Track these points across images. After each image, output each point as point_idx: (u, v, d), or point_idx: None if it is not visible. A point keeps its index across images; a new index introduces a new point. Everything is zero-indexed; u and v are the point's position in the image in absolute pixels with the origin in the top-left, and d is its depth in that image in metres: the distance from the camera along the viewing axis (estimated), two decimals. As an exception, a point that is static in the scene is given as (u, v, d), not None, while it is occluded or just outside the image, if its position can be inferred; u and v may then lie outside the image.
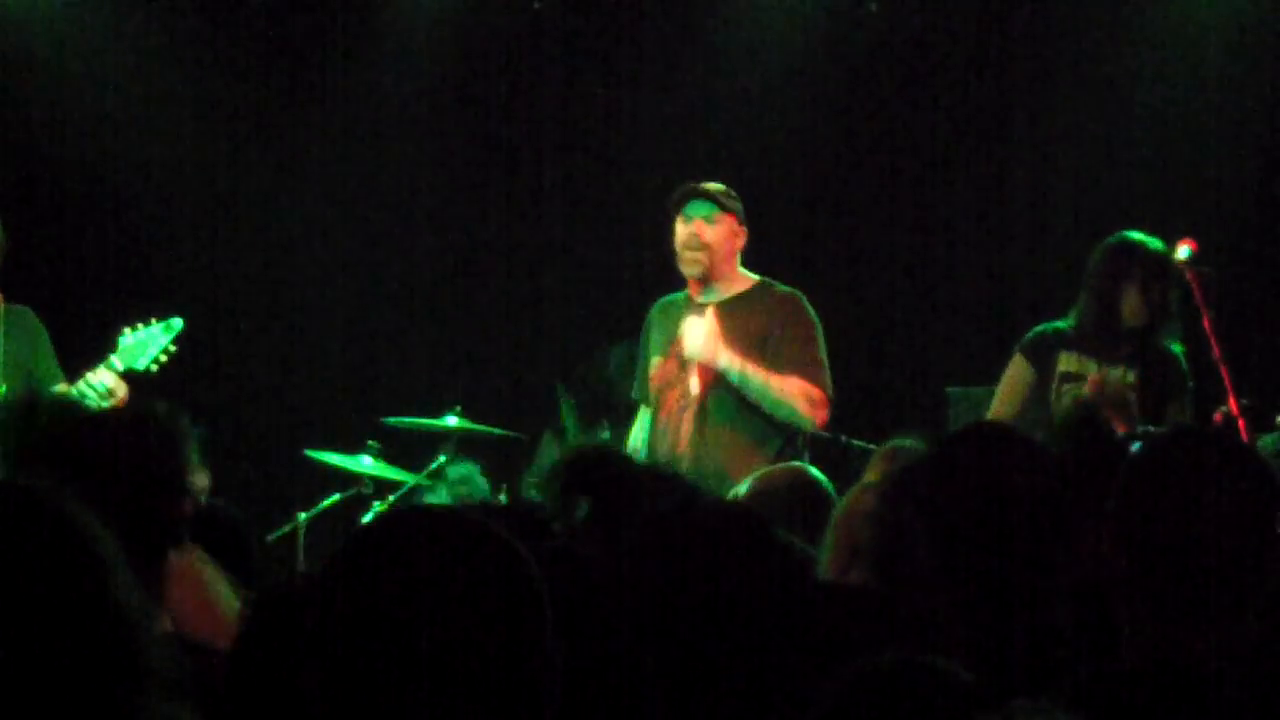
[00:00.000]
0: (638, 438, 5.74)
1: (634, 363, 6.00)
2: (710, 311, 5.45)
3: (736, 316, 5.46)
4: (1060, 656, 2.55)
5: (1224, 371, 5.23)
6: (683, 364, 5.50)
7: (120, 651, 1.54)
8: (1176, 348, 5.51)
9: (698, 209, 5.51)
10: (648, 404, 5.69)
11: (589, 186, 8.48)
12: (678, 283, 5.85)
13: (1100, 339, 5.51)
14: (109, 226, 8.26)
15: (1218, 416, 5.26)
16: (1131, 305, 5.48)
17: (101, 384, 5.45)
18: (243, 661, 2.44)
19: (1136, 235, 5.58)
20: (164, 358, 5.64)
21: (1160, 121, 8.02)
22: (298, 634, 2.30)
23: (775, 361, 5.38)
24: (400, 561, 1.68)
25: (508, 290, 8.55)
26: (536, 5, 8.40)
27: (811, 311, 5.49)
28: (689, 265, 5.53)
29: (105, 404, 5.41)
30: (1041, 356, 5.59)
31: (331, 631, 1.68)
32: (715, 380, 5.41)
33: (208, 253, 8.37)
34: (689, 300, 5.61)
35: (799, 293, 5.55)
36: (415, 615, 1.64)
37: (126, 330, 5.63)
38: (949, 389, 7.38)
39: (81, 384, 5.47)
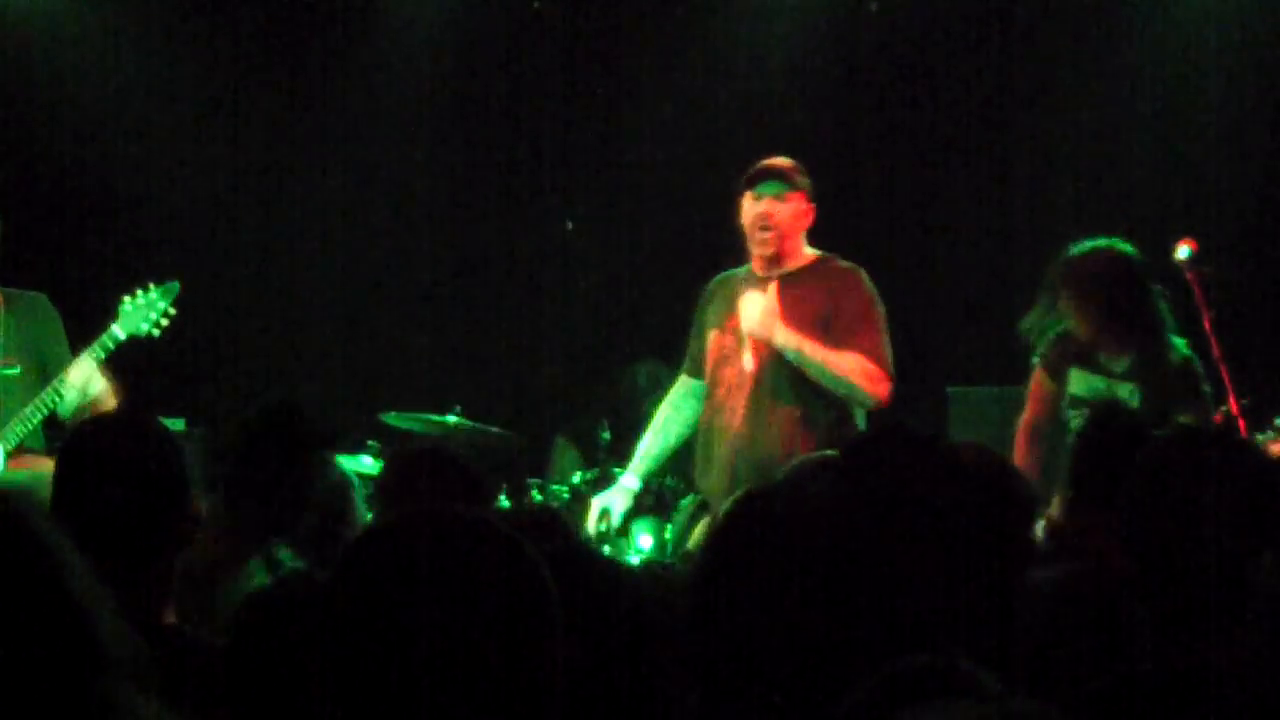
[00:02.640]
0: (675, 406, 5.69)
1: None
2: (772, 287, 5.36)
3: (797, 292, 5.40)
4: (1059, 656, 2.55)
5: (1224, 371, 5.23)
6: (740, 339, 5.45)
7: (76, 642, 1.54)
8: (1184, 350, 5.41)
9: (769, 188, 5.48)
10: (698, 378, 5.66)
11: (589, 186, 8.48)
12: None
13: (1093, 355, 5.46)
14: (110, 226, 8.27)
15: (1218, 416, 5.25)
16: (1073, 323, 5.43)
17: (74, 385, 5.45)
18: (242, 661, 2.44)
19: (1085, 245, 5.48)
20: (165, 321, 5.67)
21: (1160, 121, 8.02)
22: (297, 634, 2.31)
23: (835, 337, 5.32)
24: (409, 561, 1.68)
25: (508, 290, 8.55)
26: (536, 5, 8.40)
27: (871, 286, 5.42)
28: (759, 245, 5.46)
29: (85, 399, 5.43)
30: (1057, 370, 5.54)
31: (339, 630, 1.68)
32: (771, 357, 5.36)
33: (208, 252, 8.37)
34: (750, 275, 5.55)
35: (859, 268, 5.49)
36: (424, 615, 1.64)
37: (126, 298, 5.67)
38: (949, 389, 7.38)
39: (59, 381, 5.48)
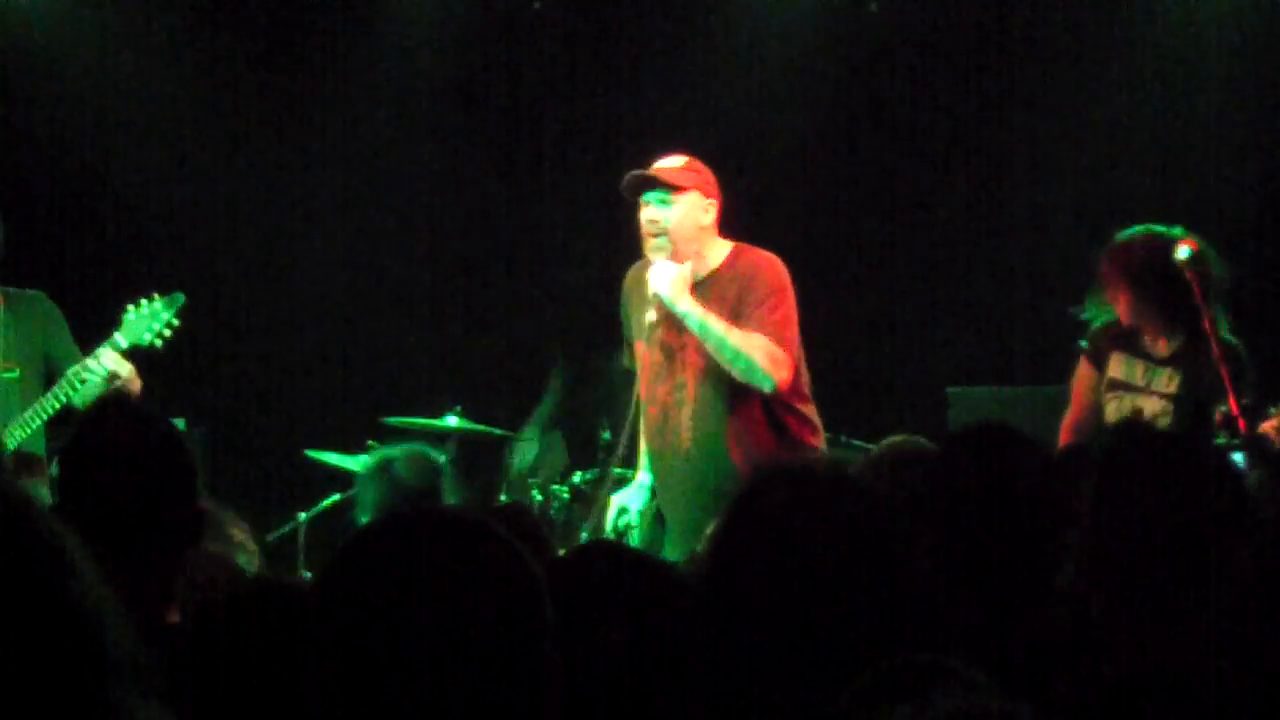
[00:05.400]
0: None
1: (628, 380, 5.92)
2: (679, 259, 5.22)
3: (710, 292, 5.27)
4: (1057, 657, 2.55)
5: (1224, 371, 5.22)
6: (669, 355, 5.37)
7: (83, 646, 1.54)
8: (1231, 339, 5.37)
9: (651, 195, 5.29)
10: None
11: (589, 186, 8.47)
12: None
13: (1137, 340, 5.49)
14: (110, 226, 8.27)
15: (1218, 417, 5.24)
16: (1123, 309, 5.46)
17: (104, 367, 5.42)
18: (240, 660, 2.44)
19: (1127, 232, 5.55)
20: (168, 332, 5.64)
21: (1160, 120, 8.02)
22: (295, 633, 2.31)
23: (742, 317, 5.19)
24: (401, 562, 1.68)
25: (508, 290, 8.55)
26: (536, 5, 8.41)
27: (784, 274, 5.26)
28: (652, 252, 5.30)
29: (108, 386, 5.39)
30: (1099, 357, 5.56)
31: (332, 631, 1.67)
32: (705, 371, 5.28)
33: (208, 253, 8.37)
34: None
35: (773, 257, 5.31)
36: (416, 616, 1.64)
37: (130, 307, 5.64)
38: (949, 389, 7.38)
39: (82, 368, 5.44)
